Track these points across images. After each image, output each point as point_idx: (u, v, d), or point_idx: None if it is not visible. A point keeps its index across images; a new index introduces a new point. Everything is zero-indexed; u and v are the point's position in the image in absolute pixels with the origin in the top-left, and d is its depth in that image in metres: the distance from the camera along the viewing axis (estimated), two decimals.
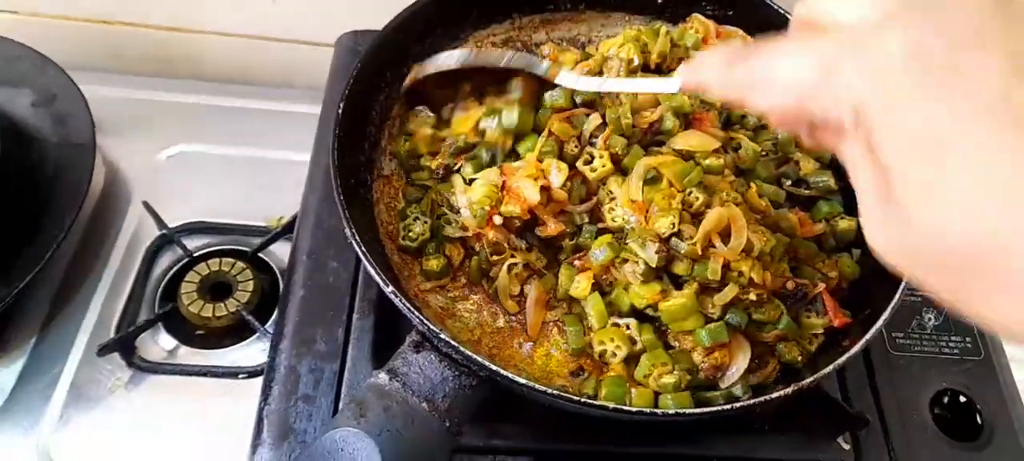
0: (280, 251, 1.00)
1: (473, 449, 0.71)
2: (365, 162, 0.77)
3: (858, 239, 0.78)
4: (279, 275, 0.98)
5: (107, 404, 0.86)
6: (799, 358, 0.70)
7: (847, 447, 0.75)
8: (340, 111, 0.71)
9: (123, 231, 1.00)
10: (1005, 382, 0.81)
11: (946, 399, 0.81)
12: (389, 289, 0.62)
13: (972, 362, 0.82)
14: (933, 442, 0.77)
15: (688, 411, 0.60)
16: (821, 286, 0.72)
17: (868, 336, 0.65)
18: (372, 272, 0.62)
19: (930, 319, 0.84)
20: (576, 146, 0.74)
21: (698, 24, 0.85)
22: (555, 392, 0.59)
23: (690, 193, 0.69)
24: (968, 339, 0.84)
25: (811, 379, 0.62)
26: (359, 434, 0.56)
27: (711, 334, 0.67)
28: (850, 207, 0.80)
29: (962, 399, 0.81)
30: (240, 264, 0.97)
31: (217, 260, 0.97)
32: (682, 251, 0.67)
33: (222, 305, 0.93)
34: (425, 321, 0.60)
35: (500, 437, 0.72)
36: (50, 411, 0.85)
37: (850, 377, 0.79)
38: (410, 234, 0.75)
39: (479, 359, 0.58)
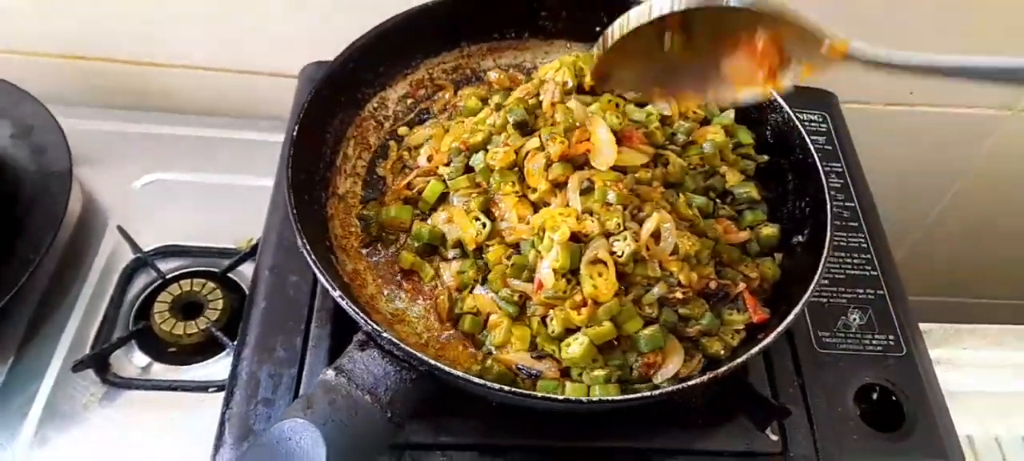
0: (249, 271, 1.03)
1: (421, 446, 0.76)
2: (320, 181, 0.83)
3: (780, 244, 0.84)
4: (248, 293, 1.02)
5: (82, 419, 0.90)
6: (721, 351, 0.75)
7: (775, 438, 0.79)
8: (294, 133, 0.77)
9: (99, 255, 1.04)
10: (926, 377, 0.86)
11: (874, 394, 0.86)
12: (336, 293, 0.67)
13: (895, 358, 0.87)
14: (857, 432, 0.81)
15: (611, 398, 0.66)
16: (742, 286, 0.78)
17: (783, 326, 0.70)
18: (320, 277, 0.67)
19: (855, 319, 0.90)
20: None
21: None
22: (486, 383, 0.64)
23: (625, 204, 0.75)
24: (891, 337, 0.89)
25: (727, 367, 0.68)
26: (305, 424, 0.60)
27: (649, 340, 0.72)
28: (773, 216, 0.86)
29: (891, 397, 0.85)
30: (210, 284, 1.02)
31: (189, 280, 1.02)
32: (625, 252, 0.72)
33: (193, 323, 0.98)
34: (368, 321, 0.65)
35: (447, 433, 0.76)
36: (26, 428, 0.88)
37: (778, 374, 0.84)
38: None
39: (417, 354, 0.64)
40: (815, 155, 0.82)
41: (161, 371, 0.96)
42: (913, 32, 1.18)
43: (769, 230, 0.83)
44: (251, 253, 1.04)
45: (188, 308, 1.00)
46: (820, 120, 1.07)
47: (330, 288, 0.67)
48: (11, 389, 0.91)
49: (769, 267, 0.81)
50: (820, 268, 0.74)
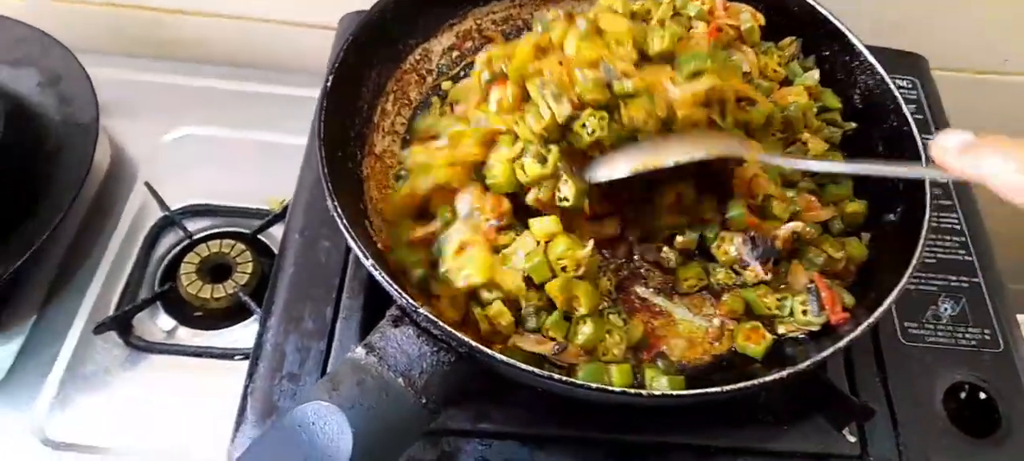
0: (280, 233, 0.98)
1: (459, 433, 0.69)
2: (355, 137, 0.76)
3: (867, 222, 0.74)
4: (275, 258, 0.97)
5: (103, 383, 0.86)
6: (791, 331, 0.68)
7: (853, 439, 0.71)
8: (328, 84, 0.70)
9: (125, 212, 1.00)
10: None
11: (962, 394, 0.77)
12: (369, 262, 0.60)
13: (990, 354, 0.78)
14: (945, 435, 0.73)
15: (676, 393, 0.58)
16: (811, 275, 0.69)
17: (872, 319, 0.62)
18: (352, 244, 0.61)
19: (946, 309, 0.80)
20: None
21: None
22: (535, 370, 0.56)
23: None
24: (986, 331, 0.79)
25: (807, 363, 0.59)
26: (330, 408, 0.54)
27: None
28: (859, 190, 0.77)
29: (980, 394, 0.76)
30: (240, 246, 0.96)
31: (217, 242, 0.97)
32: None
33: (221, 287, 0.93)
34: (403, 295, 0.58)
35: (488, 420, 0.69)
36: (47, 389, 0.85)
37: (859, 367, 0.75)
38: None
39: (458, 334, 0.56)
40: (912, 123, 0.72)
41: (186, 336, 0.91)
42: None
43: (855, 206, 0.74)
44: (283, 214, 0.98)
45: (216, 271, 0.95)
46: (910, 87, 0.96)
47: (362, 256, 0.60)
48: (32, 349, 0.87)
49: (855, 247, 0.72)
50: (917, 252, 0.65)
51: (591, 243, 0.66)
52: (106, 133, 1.04)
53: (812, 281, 0.71)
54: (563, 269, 0.64)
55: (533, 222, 0.67)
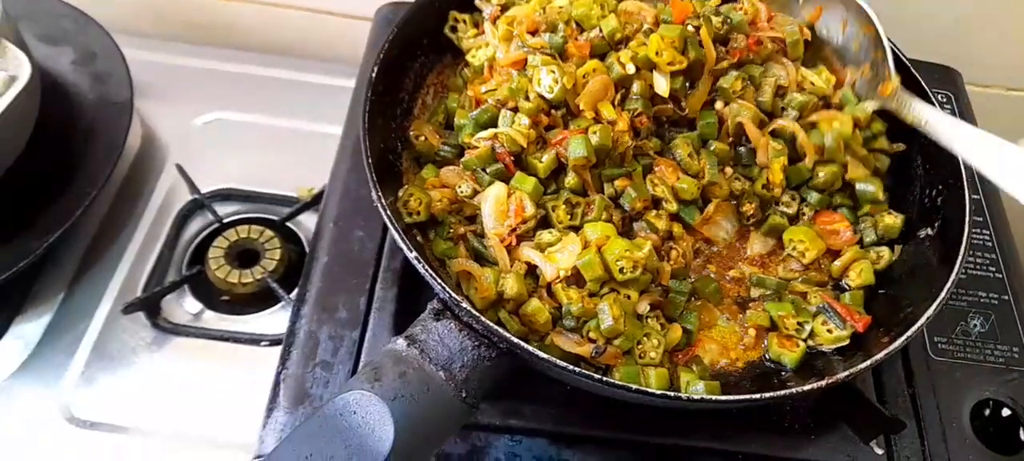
0: (309, 222, 0.99)
1: (490, 428, 0.69)
2: (396, 130, 0.76)
3: (902, 236, 0.75)
4: (306, 245, 0.97)
5: (130, 363, 0.87)
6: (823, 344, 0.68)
7: (881, 452, 0.71)
8: (373, 75, 0.70)
9: (155, 193, 1.00)
10: None
11: (988, 411, 0.77)
12: (412, 255, 0.60)
13: (1018, 373, 0.78)
14: (972, 452, 0.73)
15: (714, 398, 0.58)
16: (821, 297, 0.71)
17: (909, 333, 0.62)
18: (396, 236, 0.61)
19: (976, 325, 0.80)
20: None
21: (748, 4, 0.81)
22: (575, 369, 0.57)
23: None
24: (1015, 349, 0.79)
25: (845, 374, 0.59)
26: (372, 397, 0.54)
27: None
28: (895, 203, 0.77)
29: (1005, 411, 0.77)
30: (268, 232, 0.96)
31: (246, 227, 0.97)
32: None
33: (248, 272, 0.93)
34: (446, 289, 0.58)
35: (519, 417, 0.70)
36: (74, 366, 0.85)
37: (887, 380, 0.76)
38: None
39: (499, 330, 0.57)
40: None
41: (213, 319, 0.92)
42: None
43: (891, 219, 0.75)
44: (312, 203, 0.98)
45: (244, 256, 0.95)
46: (945, 100, 0.96)
47: (406, 248, 0.60)
48: (60, 327, 0.88)
49: (887, 257, 0.72)
50: (957, 267, 0.65)
51: (649, 245, 0.66)
52: (138, 114, 1.05)
53: (824, 302, 0.71)
54: (621, 270, 0.64)
55: (588, 227, 0.67)
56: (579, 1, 0.76)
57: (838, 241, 0.75)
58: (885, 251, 0.74)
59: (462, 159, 0.73)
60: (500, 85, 0.73)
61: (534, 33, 0.76)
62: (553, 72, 0.71)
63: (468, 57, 0.81)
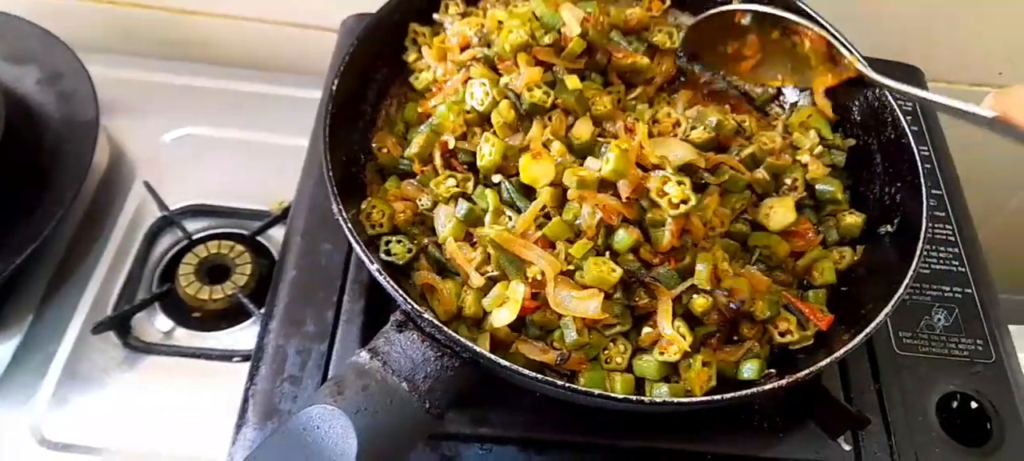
0: (280, 235, 0.98)
1: (459, 437, 0.69)
2: (359, 141, 0.76)
3: (863, 234, 0.75)
4: (277, 261, 0.97)
5: (101, 383, 0.86)
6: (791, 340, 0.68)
7: (848, 448, 0.72)
8: (334, 87, 0.70)
9: (124, 211, 1.00)
10: (1017, 386, 0.78)
11: (955, 403, 0.78)
12: (374, 266, 0.60)
13: (982, 365, 0.79)
14: (939, 446, 0.73)
15: (677, 400, 0.58)
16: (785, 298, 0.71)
17: (869, 329, 0.63)
18: (357, 249, 0.61)
19: (940, 319, 0.81)
20: None
21: None
22: (539, 376, 0.57)
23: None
24: (979, 342, 0.80)
25: (806, 372, 0.60)
26: (335, 411, 0.54)
27: None
28: (856, 202, 0.78)
29: (971, 403, 0.77)
30: (239, 247, 0.96)
31: (216, 243, 0.97)
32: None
33: (219, 288, 0.93)
34: (408, 300, 0.58)
35: (487, 425, 0.70)
36: (44, 388, 0.85)
37: (854, 376, 0.76)
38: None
39: (462, 340, 0.57)
40: (910, 135, 0.73)
41: (184, 336, 0.91)
42: None
43: (852, 219, 0.75)
44: (282, 216, 0.98)
45: (214, 271, 0.95)
46: (906, 99, 0.97)
47: (367, 261, 0.60)
48: (30, 348, 0.87)
49: (849, 256, 0.73)
50: (914, 263, 0.66)
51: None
52: (105, 132, 1.04)
53: (787, 302, 0.71)
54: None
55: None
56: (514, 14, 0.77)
57: (802, 242, 0.75)
58: (847, 251, 0.75)
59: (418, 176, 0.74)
60: (444, 100, 0.75)
61: (466, 48, 0.77)
62: (484, 85, 0.72)
63: (411, 80, 0.82)
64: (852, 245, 0.76)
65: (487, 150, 0.69)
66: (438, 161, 0.72)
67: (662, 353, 0.65)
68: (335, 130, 0.69)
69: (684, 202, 0.65)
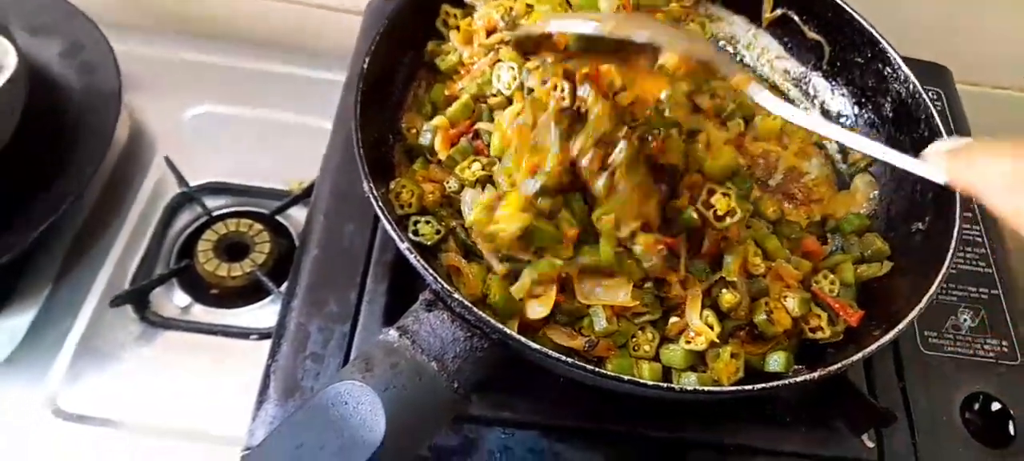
0: (298, 215, 0.98)
1: (482, 420, 0.69)
2: (388, 121, 0.75)
3: (894, 230, 0.75)
4: (296, 239, 0.97)
5: (117, 357, 0.86)
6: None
7: (871, 445, 0.71)
8: (365, 66, 0.70)
9: (143, 186, 0.99)
10: None
11: (978, 404, 0.77)
12: (404, 245, 0.60)
13: (1007, 367, 0.78)
14: (962, 445, 0.73)
15: (706, 389, 0.58)
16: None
17: (901, 326, 0.62)
18: (388, 226, 0.60)
19: (966, 320, 0.81)
20: None
21: None
22: (568, 360, 0.56)
23: None
24: (1004, 343, 0.80)
25: (838, 365, 0.60)
26: (364, 388, 0.54)
27: None
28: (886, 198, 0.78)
29: (995, 405, 0.77)
30: (258, 225, 0.96)
31: (235, 220, 0.96)
32: None
33: (238, 265, 0.92)
34: (438, 280, 0.58)
35: (510, 410, 0.69)
36: (60, 360, 0.84)
37: (878, 374, 0.76)
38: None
39: (491, 321, 0.56)
40: (943, 132, 0.72)
41: (201, 313, 0.91)
42: None
43: (880, 244, 0.75)
44: (301, 196, 0.98)
45: (233, 249, 0.94)
46: (935, 97, 0.96)
47: (398, 239, 0.60)
48: (46, 321, 0.87)
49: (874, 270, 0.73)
50: (947, 261, 0.65)
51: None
52: (126, 107, 1.03)
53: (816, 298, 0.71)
54: None
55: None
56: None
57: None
58: (875, 266, 0.74)
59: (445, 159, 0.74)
60: (471, 83, 0.74)
61: (491, 32, 0.77)
62: (512, 69, 0.72)
63: (436, 62, 0.81)
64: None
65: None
66: (448, 150, 0.73)
67: (689, 342, 0.64)
68: (365, 110, 0.68)
69: (729, 214, 0.64)
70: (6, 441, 0.79)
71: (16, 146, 0.86)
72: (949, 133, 0.75)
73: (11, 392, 0.82)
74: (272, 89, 1.10)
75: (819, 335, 0.68)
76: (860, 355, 0.61)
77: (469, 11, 0.82)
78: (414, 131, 0.75)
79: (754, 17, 0.90)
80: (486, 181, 0.70)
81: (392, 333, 0.58)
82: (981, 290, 0.83)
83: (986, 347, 0.79)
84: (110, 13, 1.05)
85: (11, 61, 0.79)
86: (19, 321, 0.86)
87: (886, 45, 0.76)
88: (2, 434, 0.79)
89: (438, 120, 0.73)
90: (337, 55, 1.05)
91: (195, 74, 1.11)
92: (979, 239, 0.87)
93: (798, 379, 0.59)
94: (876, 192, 0.78)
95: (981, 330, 0.80)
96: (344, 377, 0.55)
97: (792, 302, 0.67)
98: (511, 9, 0.78)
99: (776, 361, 0.66)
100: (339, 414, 0.54)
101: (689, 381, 0.62)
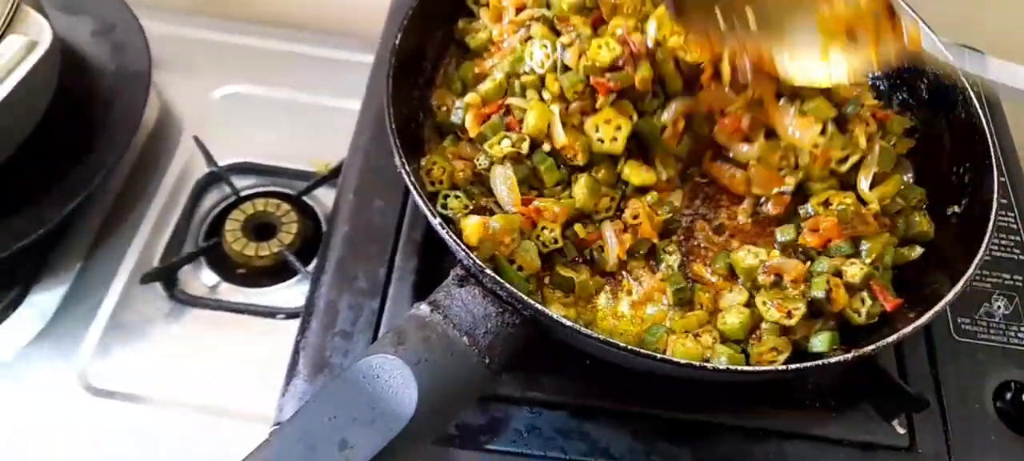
0: (325, 196, 0.99)
1: (509, 399, 0.69)
2: (419, 98, 0.75)
3: (930, 213, 0.74)
4: (322, 219, 0.97)
5: (146, 334, 0.86)
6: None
7: (903, 431, 0.71)
8: (397, 41, 0.69)
9: (172, 165, 1.00)
10: None
11: (1010, 393, 0.76)
12: (437, 221, 0.60)
13: None
14: (994, 432, 0.72)
15: (739, 368, 0.57)
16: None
17: (936, 309, 0.61)
18: (420, 201, 0.60)
19: (1000, 307, 0.79)
20: None
21: None
22: (600, 337, 0.56)
23: None
24: None
25: (874, 346, 0.59)
26: (396, 361, 0.54)
27: None
28: (921, 179, 0.76)
29: None
30: (285, 206, 0.96)
31: (263, 200, 0.97)
32: None
33: (265, 245, 0.93)
34: (470, 255, 0.58)
35: (539, 389, 0.69)
36: (90, 336, 0.85)
37: (910, 360, 0.75)
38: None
39: (523, 297, 0.56)
40: (981, 114, 0.71)
41: (229, 291, 0.91)
42: None
43: (926, 225, 0.73)
44: (329, 177, 0.98)
45: (261, 229, 0.95)
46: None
47: (430, 214, 0.60)
48: (77, 296, 0.88)
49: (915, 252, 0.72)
50: (983, 246, 0.64)
51: None
52: (155, 86, 1.04)
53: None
54: None
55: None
56: None
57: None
58: (916, 248, 0.73)
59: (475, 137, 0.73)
60: (502, 60, 0.74)
61: (521, 9, 0.77)
62: (545, 47, 0.72)
63: (466, 40, 0.81)
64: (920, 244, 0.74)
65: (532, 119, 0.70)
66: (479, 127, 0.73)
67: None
68: (396, 85, 0.68)
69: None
70: (37, 415, 0.80)
71: (48, 124, 0.87)
72: (986, 114, 0.73)
73: (42, 367, 0.83)
74: (300, 70, 1.11)
75: (855, 319, 0.67)
76: (896, 336, 0.60)
77: None
78: (445, 108, 0.75)
79: None
80: (516, 157, 0.70)
81: (424, 307, 0.58)
82: (1016, 277, 0.82)
83: (1020, 335, 0.78)
84: None
85: (46, 38, 0.79)
86: (50, 297, 0.87)
87: (924, 26, 0.74)
88: (33, 408, 0.80)
89: (470, 97, 0.72)
90: (364, 37, 1.05)
91: (224, 55, 1.12)
92: (1014, 226, 0.85)
93: (832, 359, 0.59)
94: (909, 175, 0.77)
95: (1015, 318, 0.79)
96: (376, 350, 0.55)
97: (855, 269, 0.67)
98: None
99: (820, 341, 0.65)
100: (372, 386, 0.54)
101: (721, 360, 0.61)
